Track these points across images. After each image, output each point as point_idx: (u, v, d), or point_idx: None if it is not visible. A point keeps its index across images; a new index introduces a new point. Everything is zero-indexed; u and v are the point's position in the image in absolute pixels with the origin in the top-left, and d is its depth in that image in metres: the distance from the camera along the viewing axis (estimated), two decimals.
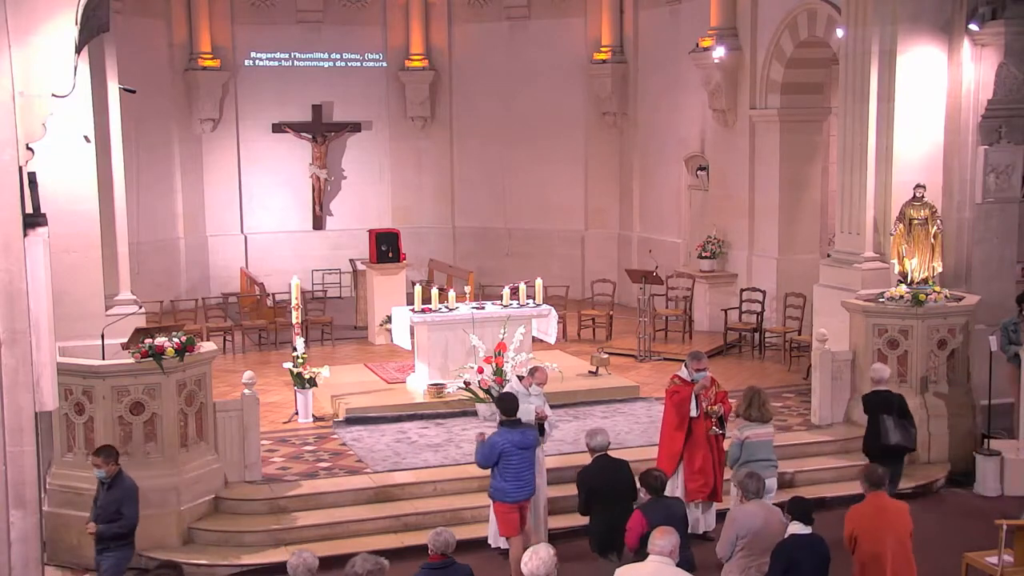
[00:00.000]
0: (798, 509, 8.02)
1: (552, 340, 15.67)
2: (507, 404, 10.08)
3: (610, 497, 9.21)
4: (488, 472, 10.21)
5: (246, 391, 11.71)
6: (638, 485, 8.96)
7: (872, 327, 13.47)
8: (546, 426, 10.82)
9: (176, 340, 10.87)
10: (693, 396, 10.81)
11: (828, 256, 15.45)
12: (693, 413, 10.84)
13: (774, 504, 9.17)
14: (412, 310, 14.90)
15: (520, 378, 11.26)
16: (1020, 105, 14.25)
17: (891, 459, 11.17)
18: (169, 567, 7.22)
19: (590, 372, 15.66)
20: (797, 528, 7.96)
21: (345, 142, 23.46)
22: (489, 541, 10.93)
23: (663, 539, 7.14)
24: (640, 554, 8.21)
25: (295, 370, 14.07)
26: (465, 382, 14.08)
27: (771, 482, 10.33)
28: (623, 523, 8.66)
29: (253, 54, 22.68)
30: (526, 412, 10.69)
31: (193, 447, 11.20)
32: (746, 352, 17.78)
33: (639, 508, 8.66)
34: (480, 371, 14.00)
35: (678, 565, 7.39)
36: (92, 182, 11.47)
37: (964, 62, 14.07)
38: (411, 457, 12.64)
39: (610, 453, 9.58)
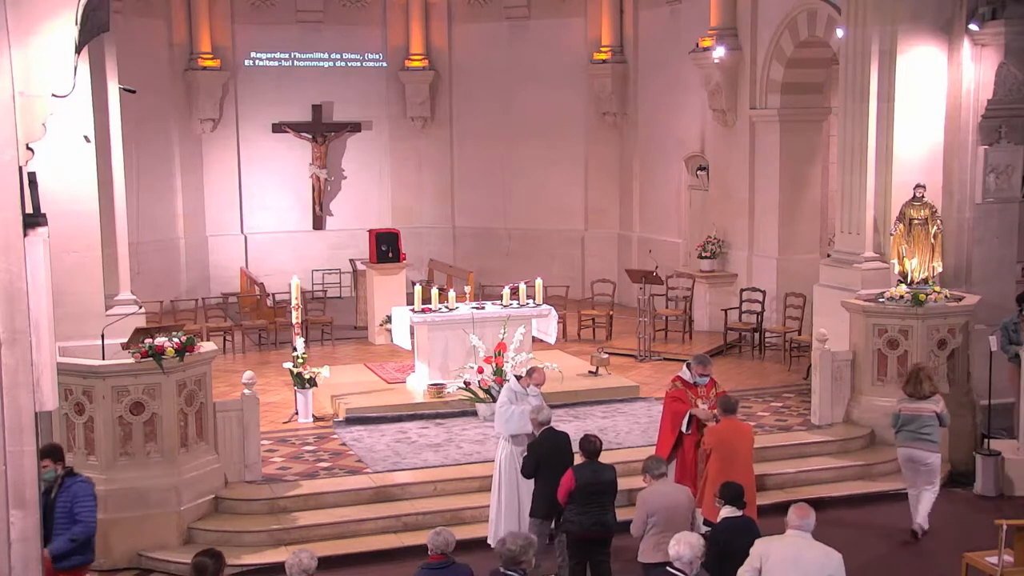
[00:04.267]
0: (729, 494, 8.41)
1: (552, 340, 15.67)
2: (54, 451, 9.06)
3: (552, 465, 9.91)
4: None
5: (246, 391, 11.71)
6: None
7: (872, 327, 13.48)
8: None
9: (176, 340, 10.86)
10: (688, 415, 10.78)
11: (828, 256, 15.46)
12: (684, 429, 10.83)
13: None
14: (412, 310, 14.90)
15: (518, 378, 11.26)
16: (1020, 105, 14.25)
17: None
18: (209, 555, 7.19)
19: (590, 372, 15.66)
20: (729, 512, 8.31)
21: (345, 142, 23.46)
22: (489, 541, 10.92)
23: (801, 518, 7.55)
24: (568, 509, 9.36)
25: (295, 370, 14.07)
26: (465, 382, 14.09)
27: (918, 454, 11.28)
28: (555, 488, 9.63)
29: (253, 54, 22.67)
30: (523, 414, 10.70)
31: (193, 447, 11.20)
32: (746, 352, 17.78)
33: (572, 468, 9.57)
34: (480, 371, 14.01)
35: (593, 527, 8.69)
36: (92, 182, 11.47)
37: (964, 62, 14.08)
38: (411, 457, 12.64)
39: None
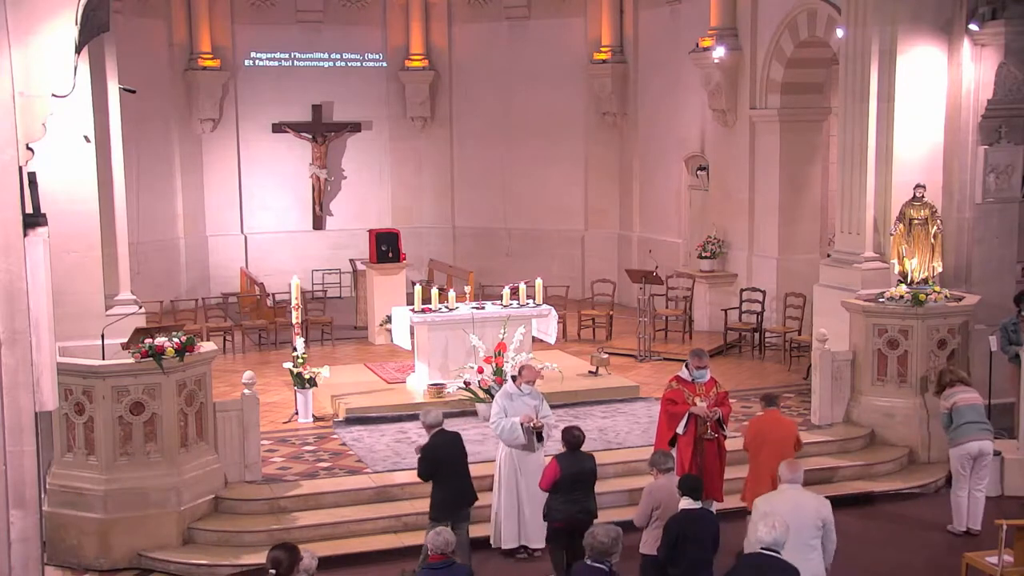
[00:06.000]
0: (687, 486, 8.69)
1: (552, 340, 15.67)
2: None
3: (450, 466, 10.05)
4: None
5: (246, 391, 11.71)
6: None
7: (872, 327, 13.48)
8: (543, 432, 10.77)
9: (176, 340, 10.86)
10: (686, 416, 10.73)
11: (828, 256, 15.46)
12: (680, 430, 10.78)
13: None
14: (412, 310, 14.90)
15: (514, 379, 11.23)
16: (1020, 105, 14.25)
17: None
18: (283, 549, 7.21)
19: (590, 372, 15.66)
20: (687, 503, 8.60)
21: (345, 142, 23.47)
22: (490, 542, 10.93)
23: (792, 471, 8.49)
24: (552, 498, 9.81)
25: (295, 370, 14.07)
26: (465, 382, 14.08)
27: (987, 445, 11.29)
28: (461, 488, 10.05)
29: (253, 54, 22.67)
30: (517, 414, 10.69)
31: (193, 447, 11.20)
32: (746, 352, 17.78)
33: (555, 457, 9.92)
34: (480, 371, 14.00)
35: (579, 514, 9.42)
36: (92, 182, 11.47)
37: (964, 62, 14.08)
38: (411, 457, 12.54)
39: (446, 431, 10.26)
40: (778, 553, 7.39)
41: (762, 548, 7.40)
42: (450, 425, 13.58)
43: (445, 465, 10.03)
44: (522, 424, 10.62)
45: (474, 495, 10.29)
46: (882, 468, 12.95)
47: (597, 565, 7.37)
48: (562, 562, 9.90)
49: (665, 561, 8.51)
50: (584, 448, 10.42)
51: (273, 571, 7.04)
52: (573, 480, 9.77)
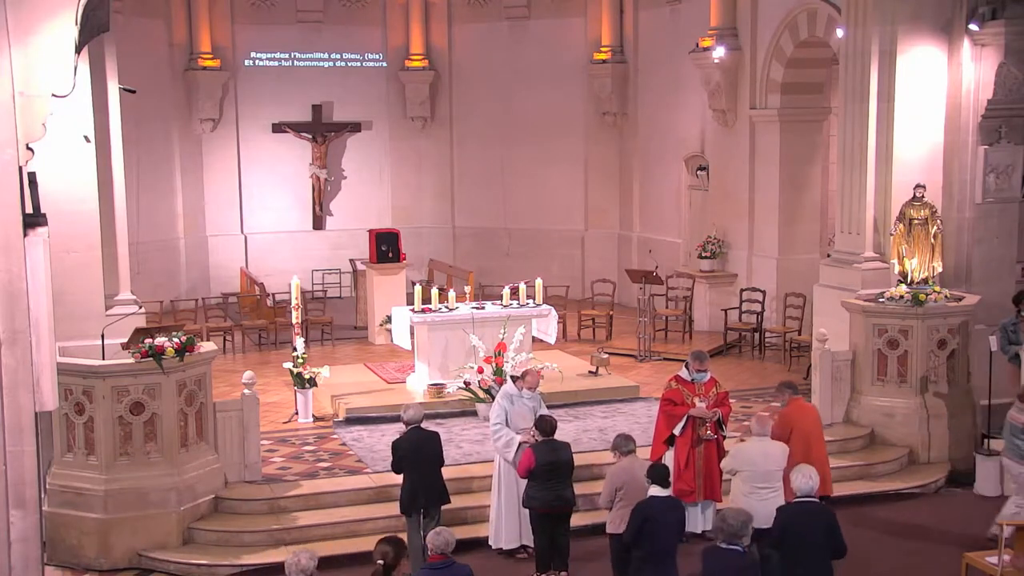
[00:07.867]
0: (656, 474, 9.02)
1: (552, 340, 15.67)
2: None
3: (419, 463, 10.21)
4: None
5: (246, 391, 11.71)
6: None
7: (872, 327, 13.48)
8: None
9: (176, 340, 10.87)
10: (685, 418, 10.71)
11: (828, 256, 15.46)
12: (677, 431, 10.76)
13: None
14: (412, 310, 14.90)
15: (515, 379, 11.22)
16: (1020, 105, 14.25)
17: None
18: (389, 543, 7.30)
19: (590, 372, 15.66)
20: (655, 491, 8.92)
21: (345, 142, 23.47)
22: (489, 542, 10.93)
23: (759, 426, 9.83)
24: (529, 485, 10.07)
25: (295, 370, 14.07)
26: (465, 382, 14.08)
27: (1007, 463, 11.13)
28: (428, 485, 10.17)
29: (253, 54, 22.68)
30: (520, 418, 10.68)
31: (193, 447, 11.20)
32: (746, 352, 17.78)
33: (530, 446, 10.21)
34: (480, 371, 14.00)
35: (555, 501, 9.91)
36: (92, 182, 11.47)
37: (964, 62, 14.07)
38: None
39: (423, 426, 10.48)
40: (816, 500, 8.39)
41: (800, 496, 8.39)
42: (450, 425, 13.71)
43: (409, 461, 10.20)
44: (523, 442, 10.56)
45: (441, 496, 10.33)
46: (882, 468, 12.95)
47: (732, 547, 7.73)
48: (546, 548, 10.11)
49: (630, 543, 8.76)
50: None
51: (381, 561, 7.19)
52: (550, 469, 10.00)
